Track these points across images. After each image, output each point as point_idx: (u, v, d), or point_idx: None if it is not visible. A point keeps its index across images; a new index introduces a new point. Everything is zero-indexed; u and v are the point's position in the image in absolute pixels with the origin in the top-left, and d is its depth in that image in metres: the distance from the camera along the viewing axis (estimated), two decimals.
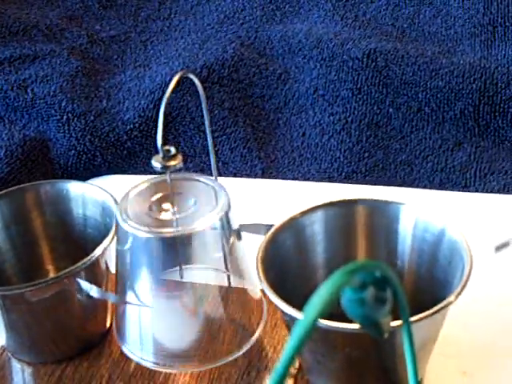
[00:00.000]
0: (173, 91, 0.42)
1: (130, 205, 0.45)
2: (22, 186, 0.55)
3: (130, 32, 0.99)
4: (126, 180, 0.76)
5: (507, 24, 0.88)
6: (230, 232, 0.45)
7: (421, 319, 0.39)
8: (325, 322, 0.38)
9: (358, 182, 0.72)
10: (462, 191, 0.68)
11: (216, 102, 0.82)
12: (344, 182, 0.72)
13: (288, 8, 0.97)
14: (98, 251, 0.48)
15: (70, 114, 0.82)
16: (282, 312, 0.41)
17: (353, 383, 0.45)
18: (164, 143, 0.42)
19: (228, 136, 0.79)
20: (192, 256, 0.46)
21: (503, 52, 0.84)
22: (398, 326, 0.37)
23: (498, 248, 0.42)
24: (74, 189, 0.55)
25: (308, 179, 0.73)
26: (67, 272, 0.47)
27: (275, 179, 0.73)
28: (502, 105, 0.77)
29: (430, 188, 0.69)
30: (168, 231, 0.43)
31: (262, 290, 0.44)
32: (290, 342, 0.29)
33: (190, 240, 0.45)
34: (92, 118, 0.82)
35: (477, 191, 0.68)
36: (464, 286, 0.40)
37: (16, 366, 0.55)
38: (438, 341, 0.44)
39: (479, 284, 0.50)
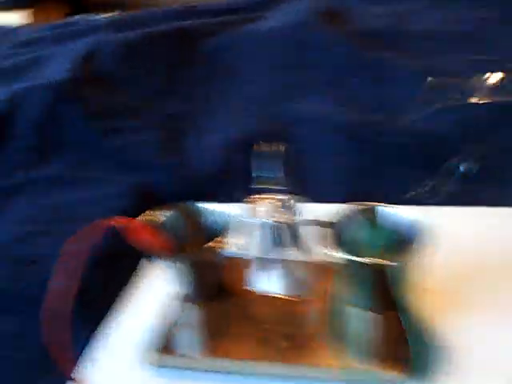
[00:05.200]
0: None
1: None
2: (175, 203, 0.91)
3: (187, 111, 1.43)
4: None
5: None
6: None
7: None
8: None
9: None
10: None
11: None
12: None
13: (296, 92, 1.44)
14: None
15: (162, 171, 1.21)
16: None
17: None
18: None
19: None
20: None
21: None
22: None
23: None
24: (204, 205, 0.92)
25: None
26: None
27: None
28: None
29: None
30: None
31: None
32: None
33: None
34: (176, 167, 1.24)
35: None
36: None
37: None
38: None
39: None
